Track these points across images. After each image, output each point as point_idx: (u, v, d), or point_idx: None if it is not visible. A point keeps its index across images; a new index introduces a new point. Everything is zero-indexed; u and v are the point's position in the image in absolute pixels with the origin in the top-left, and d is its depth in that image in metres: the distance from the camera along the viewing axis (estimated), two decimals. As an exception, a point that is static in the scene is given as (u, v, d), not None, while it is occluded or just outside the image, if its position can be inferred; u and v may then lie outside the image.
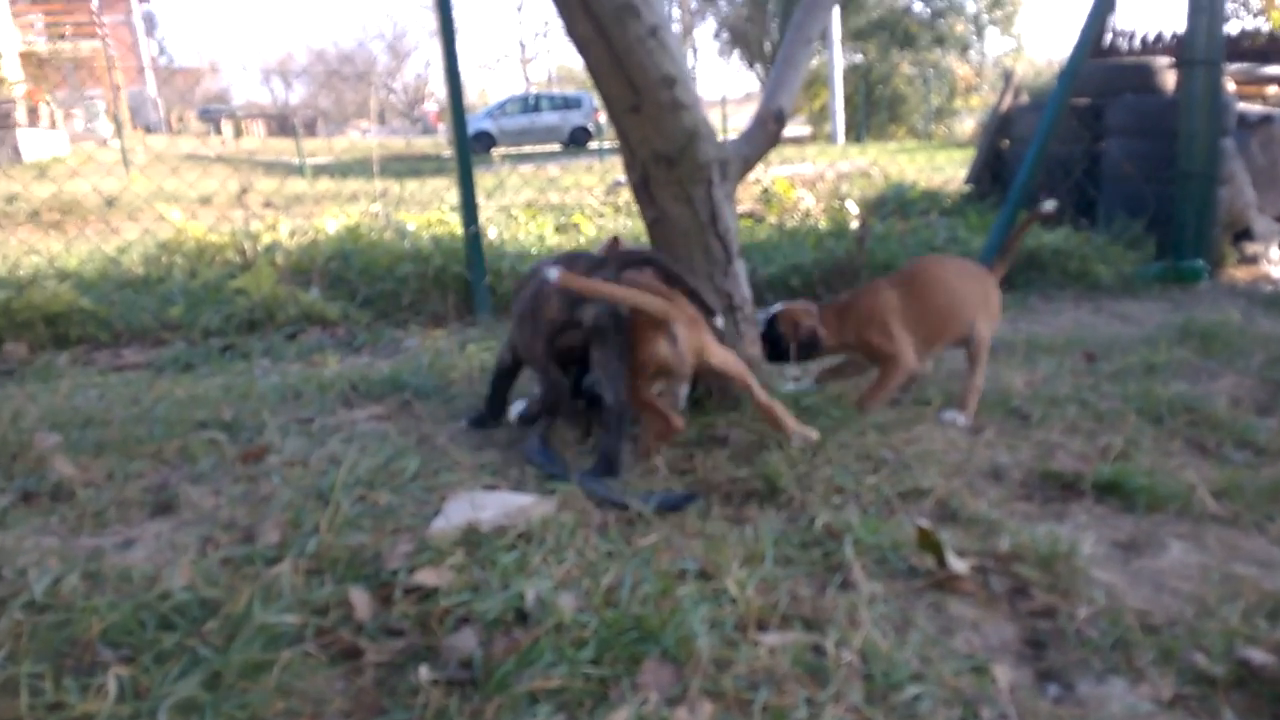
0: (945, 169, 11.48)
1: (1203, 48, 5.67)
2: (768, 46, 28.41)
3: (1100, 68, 7.50)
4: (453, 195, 6.66)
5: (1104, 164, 6.81)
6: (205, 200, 6.29)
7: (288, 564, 1.75)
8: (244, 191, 5.61)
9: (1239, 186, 6.48)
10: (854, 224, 6.62)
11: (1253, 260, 6.56)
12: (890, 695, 1.54)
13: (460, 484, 2.24)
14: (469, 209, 5.08)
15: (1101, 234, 6.27)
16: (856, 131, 23.68)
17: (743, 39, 28.81)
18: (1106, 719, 1.54)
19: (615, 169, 11.97)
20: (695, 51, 28.80)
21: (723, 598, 1.77)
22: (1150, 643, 1.73)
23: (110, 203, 6.04)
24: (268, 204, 5.77)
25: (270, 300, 4.83)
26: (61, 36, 21.07)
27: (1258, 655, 1.67)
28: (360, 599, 1.66)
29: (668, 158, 2.57)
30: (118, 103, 19.42)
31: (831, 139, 21.99)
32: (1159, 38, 8.89)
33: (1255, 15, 10.11)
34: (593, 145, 24.65)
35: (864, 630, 1.71)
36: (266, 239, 5.81)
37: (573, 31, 2.49)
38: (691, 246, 2.69)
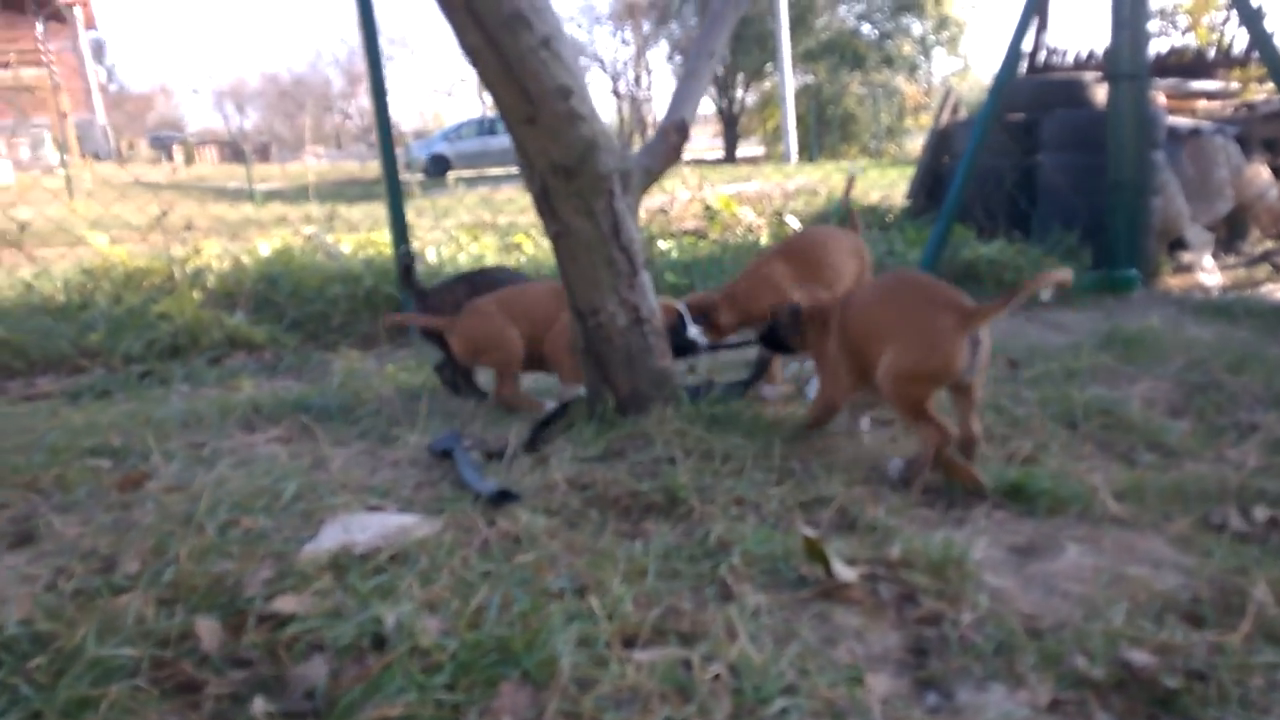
0: (897, 185, 11.56)
1: (1127, 62, 5.75)
2: (720, 70, 28.69)
3: (1032, 83, 7.61)
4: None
5: (1038, 177, 6.89)
6: (138, 226, 6.15)
7: (138, 594, 1.67)
8: (163, 214, 5.49)
9: (1170, 197, 6.58)
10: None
11: (1187, 269, 6.66)
12: (759, 709, 1.49)
13: (344, 506, 2.17)
14: (399, 228, 5.03)
15: (1037, 246, 6.32)
16: (810, 151, 23.87)
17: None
18: (981, 727, 1.50)
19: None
20: (649, 74, 28.95)
21: (597, 615, 1.72)
22: (1034, 647, 1.70)
23: (22, 228, 5.88)
24: (188, 227, 5.64)
25: (194, 325, 4.74)
26: (4, 65, 20.77)
27: (1139, 656, 1.65)
28: (207, 629, 1.59)
29: (566, 169, 2.53)
30: (64, 130, 19.18)
31: (785, 158, 22.15)
32: (1090, 55, 9.03)
33: (1183, 32, 10.30)
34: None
35: (739, 643, 1.66)
36: (195, 263, 5.70)
37: (464, 41, 2.45)
38: (595, 260, 2.65)
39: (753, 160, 23.15)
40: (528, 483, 2.43)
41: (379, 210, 11.12)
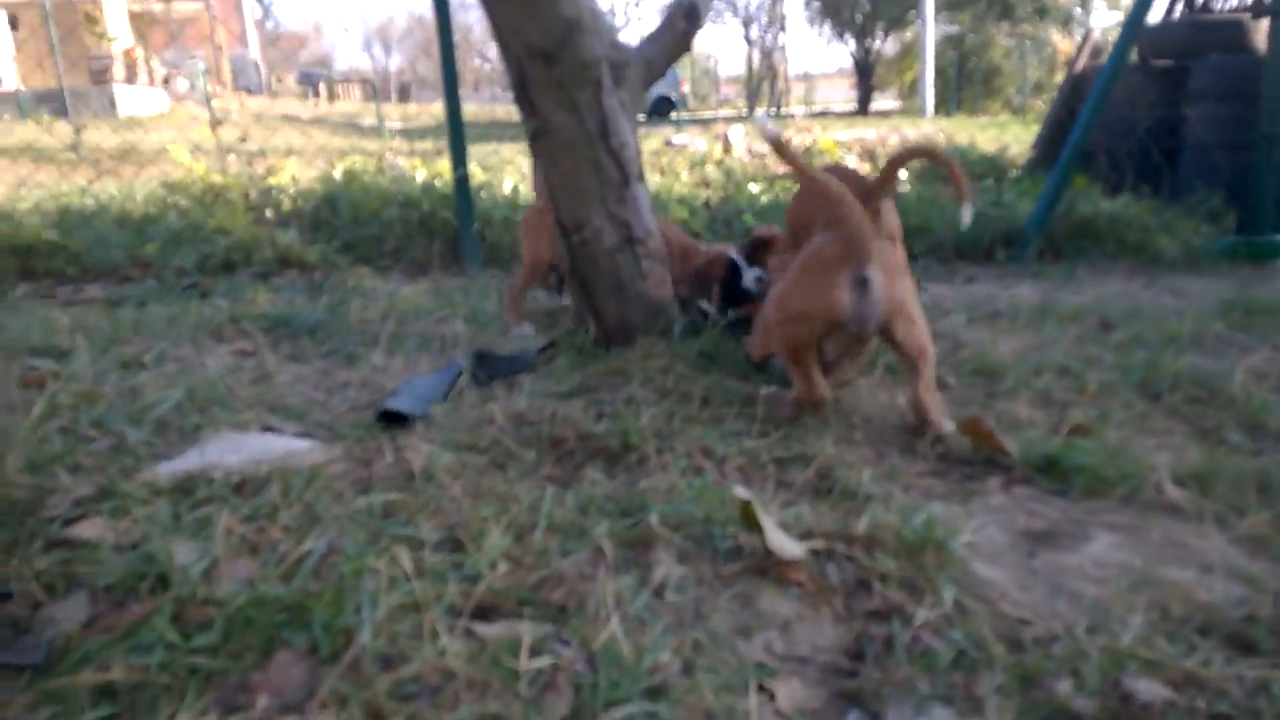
0: (1022, 139, 10.68)
1: (1291, -7, 4.96)
2: (859, 18, 27.36)
3: (1184, 25, 6.75)
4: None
5: (1183, 131, 6.11)
6: (253, 151, 6.12)
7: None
8: (243, 138, 5.39)
9: (1329, 157, 5.71)
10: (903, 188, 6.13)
11: (1340, 239, 5.80)
12: (600, 714, 1.14)
13: (240, 425, 1.91)
14: (458, 151, 4.77)
15: (1174, 205, 5.61)
16: (948, 106, 22.56)
17: (833, 8, 27.70)
18: (898, 764, 1.12)
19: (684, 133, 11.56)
20: (784, 21, 27.77)
21: (447, 576, 1.39)
22: (1007, 662, 1.30)
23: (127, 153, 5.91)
24: (242, 138, 5.53)
25: (247, 241, 4.62)
26: (167, -1, 21.46)
27: (1147, 688, 1.22)
28: (-31, 550, 1.34)
29: (545, 53, 2.18)
30: (219, 64, 19.76)
31: (920, 112, 21.00)
32: (1259, -3, 8.01)
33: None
34: (678, 116, 23.99)
35: (612, 626, 1.31)
36: (270, 183, 5.61)
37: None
38: (579, 163, 2.29)
39: (885, 114, 22.07)
40: (470, 416, 2.12)
41: (483, 149, 11.00)
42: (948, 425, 2.06)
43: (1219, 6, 8.16)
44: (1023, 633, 1.38)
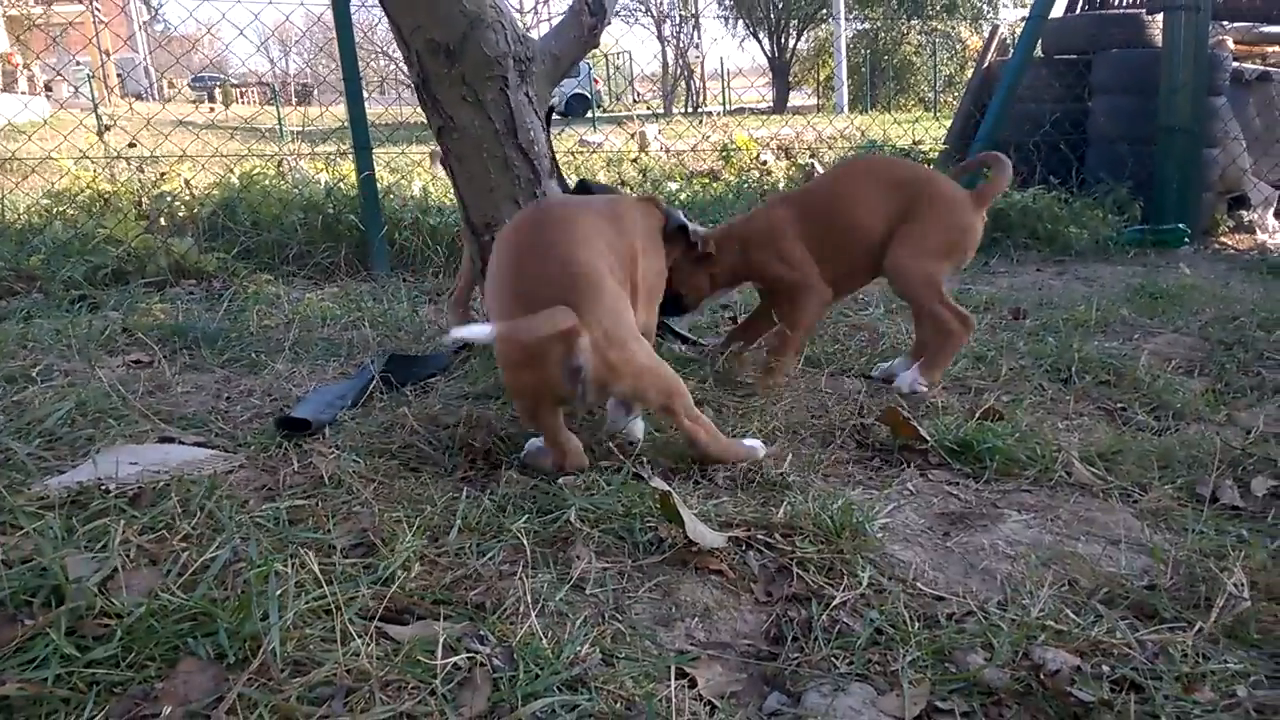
0: (935, 134, 10.88)
1: (1186, -11, 5.15)
2: (771, 16, 27.69)
3: (1088, 19, 6.94)
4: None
5: (1090, 123, 6.28)
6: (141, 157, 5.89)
7: None
8: (131, 144, 5.21)
9: (1231, 148, 5.93)
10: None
11: (1248, 228, 6.03)
12: (519, 707, 1.12)
13: (136, 436, 1.84)
14: (363, 153, 4.68)
15: (1082, 196, 5.76)
16: (863, 102, 22.95)
17: (746, 6, 27.92)
18: (819, 743, 1.12)
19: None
20: (698, 19, 27.93)
21: (359, 579, 1.36)
22: (922, 639, 1.31)
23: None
24: (131, 144, 5.34)
25: (139, 251, 4.44)
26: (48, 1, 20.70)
27: (1055, 657, 1.25)
28: None
29: (446, 49, 2.14)
30: (105, 68, 19.07)
31: (837, 109, 21.33)
32: (1158, -11, 8.28)
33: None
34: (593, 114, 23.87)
35: (532, 621, 1.29)
36: (161, 189, 5.41)
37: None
38: (487, 161, 2.26)
39: (800, 111, 22.35)
40: (382, 419, 2.08)
41: (389, 151, 10.81)
42: (711, 446, 1.88)
43: (1116, 1, 8.45)
44: (938, 610, 1.40)
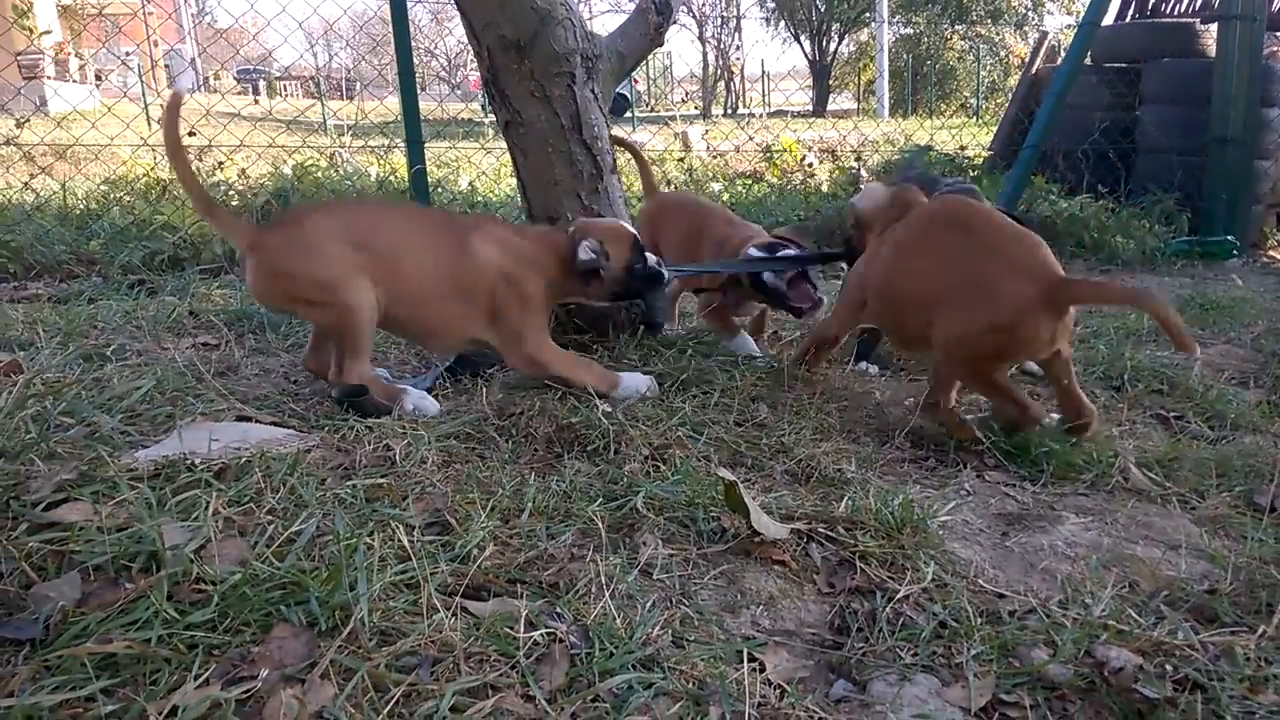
0: (979, 140, 10.81)
1: (1241, 1, 5.09)
2: (814, 19, 27.52)
3: (1139, 28, 6.88)
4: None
5: (1139, 133, 6.23)
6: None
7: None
8: (191, 132, 5.31)
9: (1285, 161, 5.86)
10: (864, 184, 6.20)
11: (1299, 243, 5.96)
12: (597, 683, 1.16)
13: (215, 415, 1.90)
14: (415, 147, 4.75)
15: (1129, 206, 5.73)
16: (904, 107, 22.81)
17: (788, 9, 27.82)
18: (885, 731, 1.15)
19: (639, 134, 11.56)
20: (740, 21, 27.87)
21: (438, 556, 1.41)
22: (985, 634, 1.34)
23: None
24: (191, 133, 5.44)
25: (196, 238, 4.54)
26: (101, -7, 21.01)
27: (1119, 655, 1.27)
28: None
29: (517, 45, 2.19)
30: (155, 61, 19.32)
31: (878, 113, 21.23)
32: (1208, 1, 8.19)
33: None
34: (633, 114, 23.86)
35: (605, 601, 1.33)
36: (218, 178, 5.51)
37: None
38: (552, 155, 2.31)
39: (843, 114, 22.26)
40: (448, 406, 2.13)
41: (437, 147, 10.91)
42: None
43: (1168, 10, 8.36)
44: (1000, 606, 1.43)
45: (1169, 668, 1.25)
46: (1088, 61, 6.27)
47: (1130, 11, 7.56)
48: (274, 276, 2.00)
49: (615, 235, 2.17)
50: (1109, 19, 6.69)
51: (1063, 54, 7.78)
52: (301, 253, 1.98)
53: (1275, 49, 6.71)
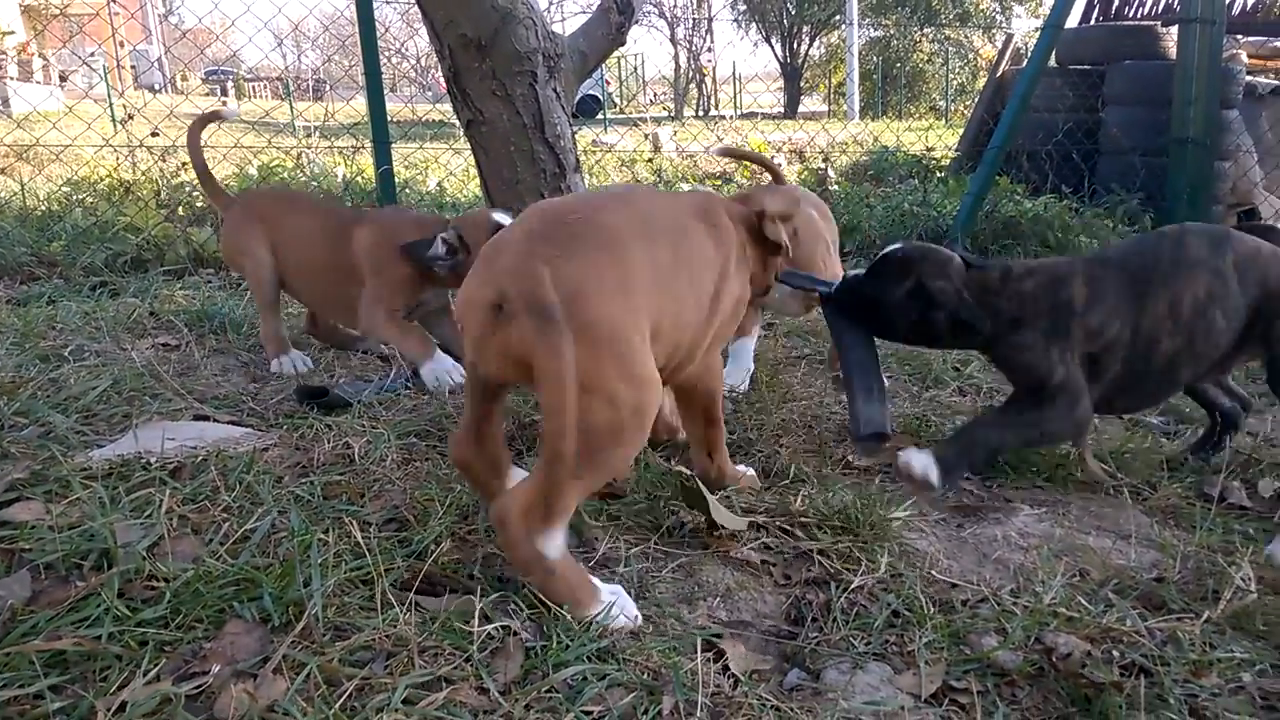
0: (947, 141, 10.93)
1: (1200, 3, 5.17)
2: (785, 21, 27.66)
3: (1102, 31, 6.97)
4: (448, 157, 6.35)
5: (1102, 134, 6.31)
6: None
7: None
8: (154, 133, 5.26)
9: (1243, 162, 5.96)
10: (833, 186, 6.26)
11: (1260, 243, 6.05)
12: (551, 674, 1.17)
13: (172, 414, 1.89)
14: (381, 147, 4.73)
15: (1093, 206, 5.80)
16: (874, 109, 22.97)
17: (759, 11, 27.94)
18: (838, 715, 1.16)
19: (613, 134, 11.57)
20: (711, 22, 27.89)
21: (398, 552, 1.41)
22: (937, 622, 1.35)
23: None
24: (154, 133, 5.39)
25: (159, 239, 4.49)
26: (64, -9, 20.75)
27: (1067, 641, 1.29)
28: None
29: (478, 43, 2.19)
30: (118, 60, 19.09)
31: (848, 115, 21.36)
32: (1171, 3, 8.33)
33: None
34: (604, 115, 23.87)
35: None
36: (182, 179, 5.46)
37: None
38: (514, 154, 2.31)
39: (814, 116, 22.37)
40: (409, 404, 2.13)
41: (405, 148, 10.85)
42: None
43: (1131, 13, 8.48)
44: (953, 596, 1.45)
45: (1116, 653, 1.28)
46: (1052, 64, 6.35)
47: (1094, 14, 7.67)
48: None
49: (476, 224, 2.17)
50: (1073, 21, 6.79)
51: (1028, 56, 7.88)
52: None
53: (1235, 51, 6.82)
